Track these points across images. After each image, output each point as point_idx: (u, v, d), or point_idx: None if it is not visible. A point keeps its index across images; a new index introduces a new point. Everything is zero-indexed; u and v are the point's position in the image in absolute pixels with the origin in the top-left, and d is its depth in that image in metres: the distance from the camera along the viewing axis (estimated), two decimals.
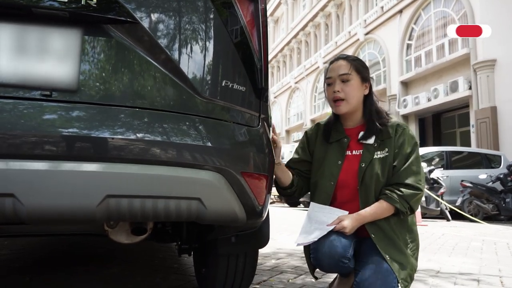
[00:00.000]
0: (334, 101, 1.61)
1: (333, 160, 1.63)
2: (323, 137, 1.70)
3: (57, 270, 2.41)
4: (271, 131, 1.46)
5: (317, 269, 1.66)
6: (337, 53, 20.72)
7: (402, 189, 1.52)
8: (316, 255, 1.52)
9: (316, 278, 1.73)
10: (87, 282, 2.11)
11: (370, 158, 1.57)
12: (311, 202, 1.67)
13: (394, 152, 1.57)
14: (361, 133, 1.62)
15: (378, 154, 1.57)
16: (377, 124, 1.59)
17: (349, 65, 1.60)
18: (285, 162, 1.78)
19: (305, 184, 1.75)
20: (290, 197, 1.75)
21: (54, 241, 3.54)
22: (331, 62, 1.67)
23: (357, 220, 1.52)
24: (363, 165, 1.57)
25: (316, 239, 1.51)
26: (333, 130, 1.69)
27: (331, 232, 1.50)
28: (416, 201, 1.54)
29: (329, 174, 1.62)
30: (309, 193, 1.76)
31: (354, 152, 1.62)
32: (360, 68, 1.61)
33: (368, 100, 1.64)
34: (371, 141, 1.59)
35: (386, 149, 1.57)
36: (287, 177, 1.68)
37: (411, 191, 1.52)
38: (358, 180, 1.57)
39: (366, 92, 1.64)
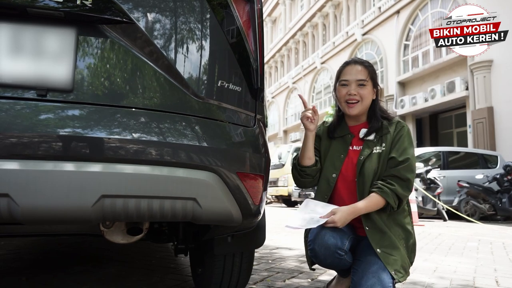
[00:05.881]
0: (347, 101, 1.69)
1: (337, 154, 1.72)
2: (328, 133, 1.80)
3: (54, 270, 2.40)
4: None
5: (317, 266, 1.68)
6: (334, 53, 20.78)
7: (395, 184, 1.57)
8: (313, 246, 1.56)
9: (313, 269, 1.75)
10: (84, 282, 2.11)
11: (369, 152, 1.66)
12: (306, 199, 1.73)
13: (391, 147, 1.64)
14: (363, 130, 1.71)
15: (377, 149, 1.66)
16: (379, 122, 1.69)
17: (366, 71, 1.69)
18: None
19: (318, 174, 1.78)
20: (306, 181, 1.75)
21: (51, 242, 3.53)
22: (347, 64, 1.74)
23: (349, 213, 1.55)
24: (361, 158, 1.65)
25: (304, 228, 1.55)
26: (337, 127, 1.78)
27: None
28: (405, 197, 1.60)
29: (332, 166, 1.71)
30: (305, 193, 1.80)
31: (355, 148, 1.72)
32: (374, 75, 1.73)
33: (374, 102, 1.74)
34: (371, 137, 1.68)
35: (384, 144, 1.66)
36: (313, 154, 1.71)
37: (403, 187, 1.58)
38: (356, 172, 1.65)
39: (374, 96, 1.74)
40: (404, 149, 1.62)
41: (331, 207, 1.60)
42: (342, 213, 1.54)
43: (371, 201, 1.56)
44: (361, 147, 1.69)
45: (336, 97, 1.76)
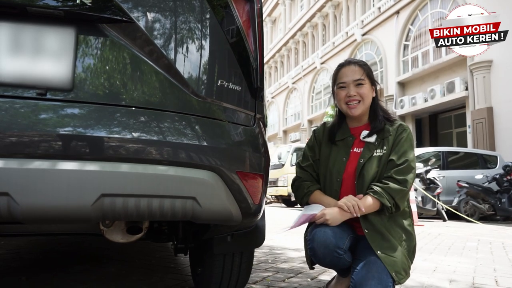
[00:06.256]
0: (347, 103, 1.68)
1: (339, 158, 1.71)
2: (329, 136, 1.77)
3: (54, 269, 2.40)
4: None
5: (317, 266, 1.69)
6: (334, 53, 20.78)
7: (389, 184, 1.57)
8: (312, 245, 1.56)
9: (313, 268, 1.75)
10: (83, 281, 2.11)
11: (369, 155, 1.64)
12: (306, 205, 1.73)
13: (391, 149, 1.63)
14: (364, 132, 1.70)
15: (377, 152, 1.64)
16: (381, 123, 1.68)
17: (362, 70, 1.68)
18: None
19: None
20: None
21: (51, 241, 3.53)
22: (341, 66, 1.74)
23: (341, 213, 1.56)
24: (362, 161, 1.64)
25: (295, 222, 1.59)
26: (339, 130, 1.76)
27: (327, 225, 1.55)
28: (401, 198, 1.58)
29: (336, 171, 1.69)
30: None
31: (356, 150, 1.70)
32: (370, 73, 1.72)
33: (374, 102, 1.73)
34: (372, 139, 1.67)
35: (385, 147, 1.64)
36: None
37: (397, 186, 1.56)
38: (356, 175, 1.64)
39: (374, 94, 1.73)
40: (404, 152, 1.61)
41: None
42: (333, 210, 1.56)
43: (365, 202, 1.55)
44: (362, 149, 1.68)
45: (335, 100, 1.74)
